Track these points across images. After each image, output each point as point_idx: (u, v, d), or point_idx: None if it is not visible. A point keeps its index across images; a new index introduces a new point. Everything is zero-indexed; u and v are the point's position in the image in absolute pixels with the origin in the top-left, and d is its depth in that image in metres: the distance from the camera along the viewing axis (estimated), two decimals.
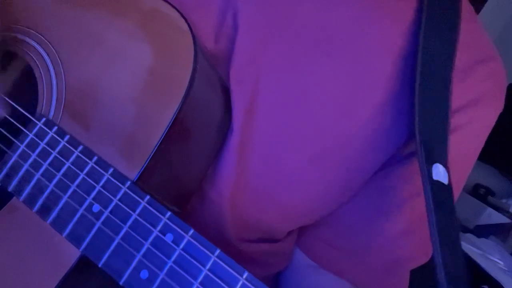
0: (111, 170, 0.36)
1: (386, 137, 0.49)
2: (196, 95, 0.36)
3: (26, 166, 0.39)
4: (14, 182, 0.39)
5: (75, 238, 0.36)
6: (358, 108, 0.47)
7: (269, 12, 0.47)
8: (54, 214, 0.37)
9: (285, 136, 0.47)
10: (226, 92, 0.46)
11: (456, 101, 0.47)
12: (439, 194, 0.42)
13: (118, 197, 0.35)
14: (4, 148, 0.40)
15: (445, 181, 0.43)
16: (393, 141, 0.49)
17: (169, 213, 0.33)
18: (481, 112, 0.50)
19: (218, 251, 0.31)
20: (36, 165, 0.39)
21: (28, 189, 0.38)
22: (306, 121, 0.47)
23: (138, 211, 0.34)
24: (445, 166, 0.44)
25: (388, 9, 0.48)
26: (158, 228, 0.33)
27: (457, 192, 0.52)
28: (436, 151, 0.44)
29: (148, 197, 0.34)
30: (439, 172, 0.43)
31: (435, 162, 0.43)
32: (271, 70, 0.47)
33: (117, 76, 0.38)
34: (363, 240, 0.52)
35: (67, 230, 0.36)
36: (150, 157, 0.35)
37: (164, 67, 0.37)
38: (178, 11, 0.38)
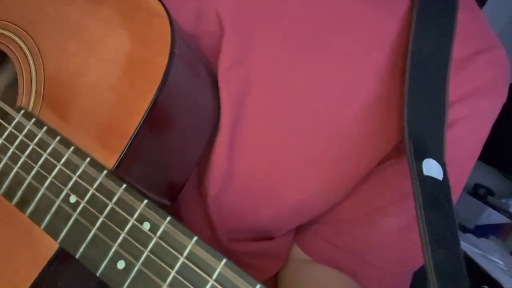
0: (88, 159, 0.35)
1: (381, 133, 0.47)
2: (175, 80, 0.35)
3: (5, 159, 0.38)
4: None
5: (52, 230, 0.35)
6: (352, 104, 0.46)
7: (255, 7, 0.46)
8: (32, 207, 0.36)
9: (279, 137, 0.46)
10: (214, 81, 0.45)
11: (454, 93, 0.46)
12: (432, 190, 0.40)
13: (95, 186, 0.34)
14: None
15: (439, 177, 0.42)
16: (389, 137, 0.48)
17: (146, 201, 0.32)
18: (482, 103, 0.48)
19: (195, 238, 0.30)
20: (14, 158, 0.38)
21: (7, 183, 0.38)
22: (299, 121, 0.46)
23: (114, 200, 0.33)
24: (440, 161, 0.42)
25: (381, 1, 0.47)
26: (135, 216, 0.32)
27: (458, 188, 0.51)
28: (428, 146, 0.43)
29: (125, 185, 0.33)
30: (431, 167, 0.41)
31: (427, 157, 0.42)
32: (260, 69, 0.46)
33: (95, 64, 0.37)
34: (361, 237, 0.51)
35: (45, 223, 0.35)
36: (128, 145, 0.34)
37: (142, 53, 0.36)
38: None
